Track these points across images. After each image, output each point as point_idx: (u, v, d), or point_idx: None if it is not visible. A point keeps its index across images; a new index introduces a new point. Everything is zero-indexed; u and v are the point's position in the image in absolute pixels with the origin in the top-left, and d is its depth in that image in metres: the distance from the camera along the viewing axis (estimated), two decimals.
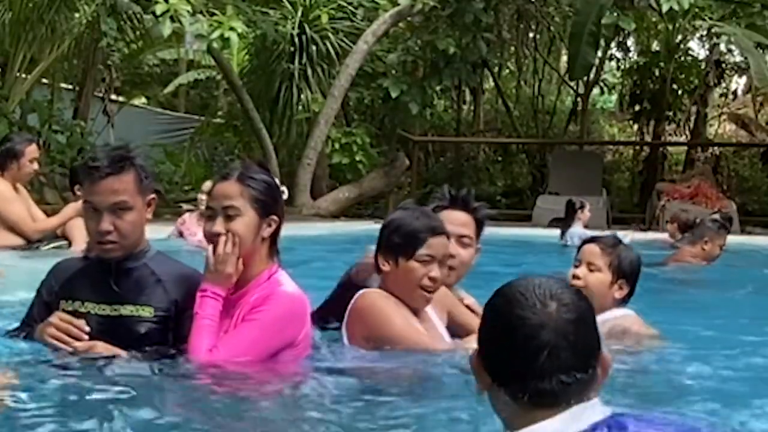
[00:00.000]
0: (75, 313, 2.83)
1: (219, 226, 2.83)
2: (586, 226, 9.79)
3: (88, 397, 2.41)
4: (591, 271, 3.48)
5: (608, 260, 3.48)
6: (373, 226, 12.09)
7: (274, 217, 2.91)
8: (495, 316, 1.59)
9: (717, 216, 9.03)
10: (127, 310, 2.85)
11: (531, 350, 1.51)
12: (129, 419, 2.23)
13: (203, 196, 6.81)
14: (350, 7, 14.96)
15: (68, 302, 2.89)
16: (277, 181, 3.06)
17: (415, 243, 3.03)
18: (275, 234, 2.93)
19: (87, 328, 2.76)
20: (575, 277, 3.50)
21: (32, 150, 5.99)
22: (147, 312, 2.85)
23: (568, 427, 1.50)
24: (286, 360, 2.85)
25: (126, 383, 2.53)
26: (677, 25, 16.94)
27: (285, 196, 3.09)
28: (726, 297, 6.24)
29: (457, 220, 3.38)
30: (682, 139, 20.05)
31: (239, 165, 2.99)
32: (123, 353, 2.77)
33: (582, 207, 9.86)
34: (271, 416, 2.52)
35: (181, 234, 7.62)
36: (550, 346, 1.50)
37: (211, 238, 2.83)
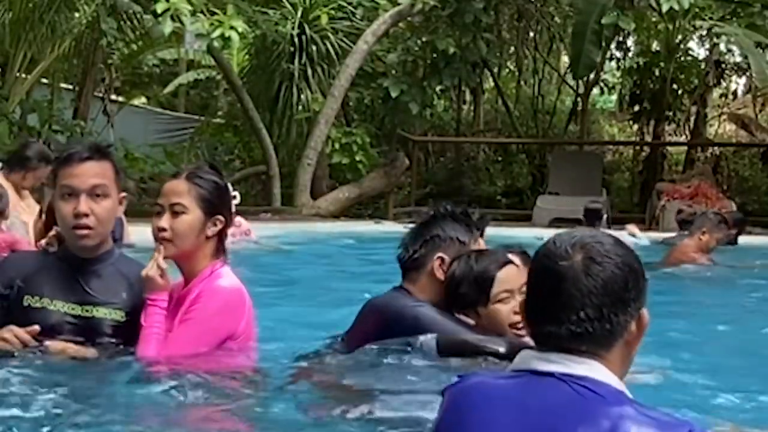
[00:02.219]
0: (43, 310, 2.81)
1: (164, 221, 2.88)
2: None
3: (30, 396, 2.39)
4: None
5: None
6: (374, 227, 12.13)
7: (220, 217, 2.94)
8: (532, 261, 1.70)
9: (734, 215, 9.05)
10: (100, 312, 2.85)
11: (546, 296, 1.60)
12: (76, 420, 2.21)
13: None
14: (350, 7, 14.96)
15: (34, 298, 2.85)
16: (229, 185, 3.09)
17: (486, 285, 2.89)
18: (221, 233, 2.96)
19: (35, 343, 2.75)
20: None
21: (44, 173, 5.96)
22: (119, 315, 2.87)
23: (536, 365, 1.58)
24: (230, 353, 2.89)
25: (74, 383, 2.53)
26: (677, 25, 16.93)
27: (236, 201, 3.15)
28: (725, 297, 6.24)
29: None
30: (682, 139, 20.04)
31: (190, 166, 3.04)
32: (92, 354, 2.78)
33: (604, 214, 9.62)
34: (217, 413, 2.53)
35: None
36: (564, 295, 1.57)
37: (157, 232, 2.89)
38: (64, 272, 2.88)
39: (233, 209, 3.09)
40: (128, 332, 2.85)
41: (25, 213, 5.92)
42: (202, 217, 2.89)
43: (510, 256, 3.01)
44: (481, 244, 3.13)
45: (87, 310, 2.84)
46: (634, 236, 9.47)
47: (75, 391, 2.47)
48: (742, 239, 9.90)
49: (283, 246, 8.40)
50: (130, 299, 2.89)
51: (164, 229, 2.87)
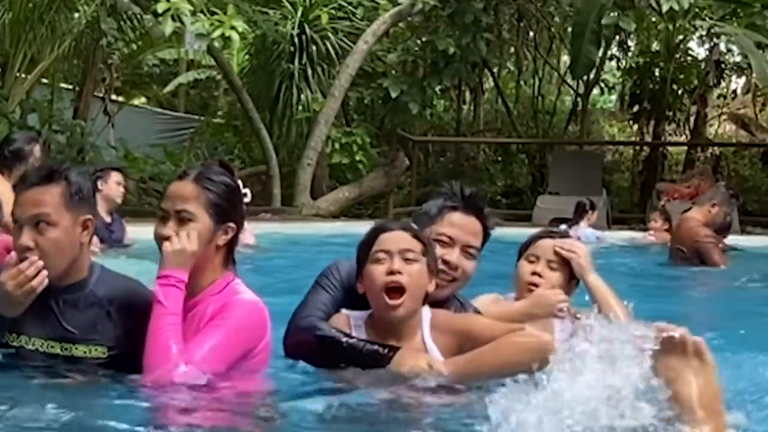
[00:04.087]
0: (21, 349, 2.62)
1: (169, 229, 2.62)
2: (592, 227, 9.93)
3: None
4: (552, 269, 3.34)
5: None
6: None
7: (231, 225, 2.69)
8: None
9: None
10: (79, 351, 2.64)
11: None
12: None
13: None
14: (350, 7, 14.97)
15: (12, 335, 2.63)
16: (240, 183, 2.86)
17: (367, 245, 2.78)
18: (232, 242, 2.71)
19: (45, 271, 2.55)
20: (536, 274, 3.32)
21: (38, 149, 5.98)
22: (100, 352, 2.64)
23: None
24: (244, 373, 2.65)
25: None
26: (677, 25, 16.93)
27: (247, 199, 2.95)
28: (726, 297, 6.24)
29: (467, 225, 3.04)
30: (682, 139, 20.03)
31: (199, 165, 2.77)
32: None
33: (593, 208, 9.94)
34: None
35: None
36: None
37: (160, 240, 2.64)
38: (40, 304, 2.61)
39: (244, 209, 2.86)
40: (113, 368, 2.63)
41: None
42: (212, 226, 2.64)
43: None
44: (457, 222, 3.02)
45: (66, 348, 2.63)
46: (597, 238, 9.80)
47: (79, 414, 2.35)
48: (742, 239, 9.91)
49: (261, 244, 8.27)
50: (112, 332, 2.65)
51: (167, 237, 2.62)
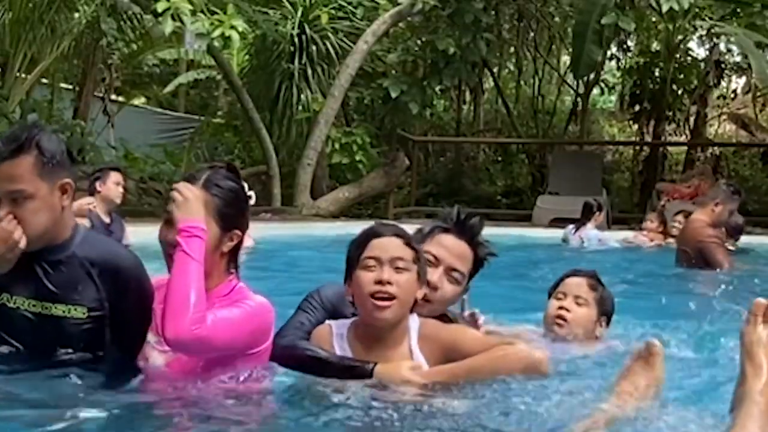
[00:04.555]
0: (3, 307, 2.63)
1: (175, 233, 2.55)
2: (597, 228, 9.91)
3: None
4: (578, 305, 3.46)
5: (595, 296, 3.49)
6: None
7: (237, 232, 2.66)
8: None
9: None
10: (58, 309, 2.62)
11: None
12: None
13: None
14: (350, 7, 14.97)
15: None
16: (245, 186, 2.81)
17: (358, 248, 2.69)
18: (236, 247, 2.68)
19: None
20: (563, 309, 3.44)
21: None
22: (80, 312, 2.63)
23: None
24: (241, 374, 2.62)
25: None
26: (677, 25, 16.93)
27: (252, 201, 2.93)
28: (726, 297, 6.22)
29: (454, 248, 2.97)
30: (682, 139, 20.04)
31: (207, 169, 2.68)
32: None
33: (600, 209, 9.93)
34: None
35: None
36: None
37: (167, 245, 2.57)
38: (23, 263, 2.62)
39: (249, 212, 2.82)
40: (91, 331, 2.63)
41: None
42: (218, 233, 2.60)
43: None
44: (445, 243, 2.97)
45: (46, 307, 2.62)
46: (599, 240, 9.77)
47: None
48: (742, 239, 9.90)
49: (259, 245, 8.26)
50: (93, 294, 2.64)
51: (175, 245, 2.54)
